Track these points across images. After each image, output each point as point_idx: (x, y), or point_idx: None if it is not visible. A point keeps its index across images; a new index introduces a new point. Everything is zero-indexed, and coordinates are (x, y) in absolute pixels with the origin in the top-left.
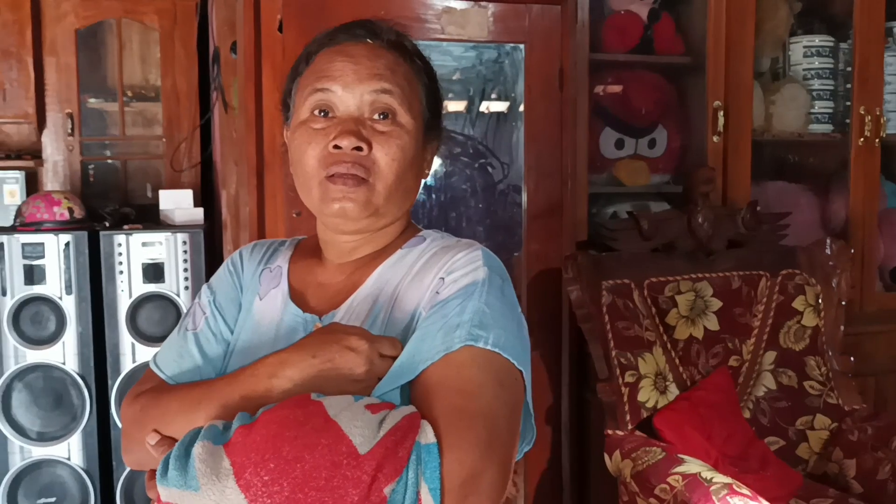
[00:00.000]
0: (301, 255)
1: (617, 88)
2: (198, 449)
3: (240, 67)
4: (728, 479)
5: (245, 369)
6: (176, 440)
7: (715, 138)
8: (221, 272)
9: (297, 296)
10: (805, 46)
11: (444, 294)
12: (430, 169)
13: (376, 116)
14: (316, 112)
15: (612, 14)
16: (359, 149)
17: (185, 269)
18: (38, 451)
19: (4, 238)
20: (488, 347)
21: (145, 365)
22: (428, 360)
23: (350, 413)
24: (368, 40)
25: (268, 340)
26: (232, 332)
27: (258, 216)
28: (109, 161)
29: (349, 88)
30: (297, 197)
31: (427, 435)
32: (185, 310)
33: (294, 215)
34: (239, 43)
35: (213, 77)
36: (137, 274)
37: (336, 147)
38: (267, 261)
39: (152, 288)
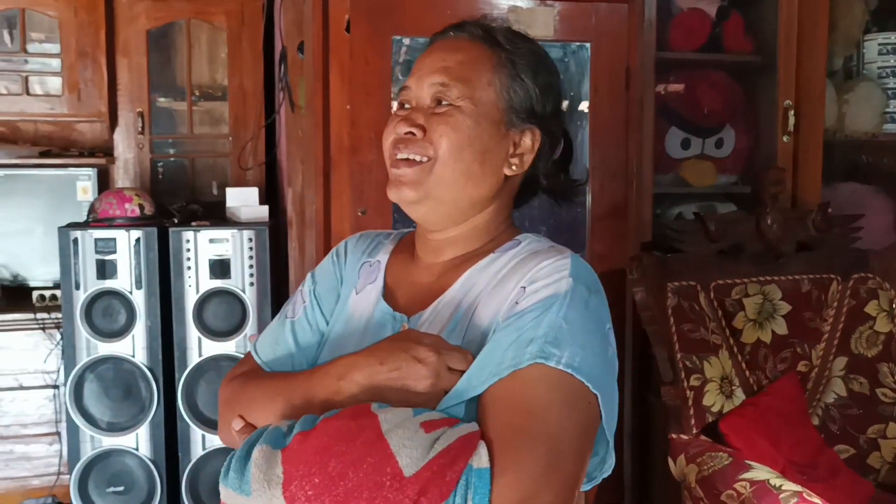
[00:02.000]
0: (401, 250)
1: (684, 87)
2: (256, 453)
3: (307, 67)
4: (798, 487)
5: (321, 367)
6: (256, 428)
7: (785, 138)
8: (326, 262)
9: (389, 293)
10: (880, 44)
11: (523, 305)
12: (522, 164)
13: (438, 104)
14: (399, 106)
15: (679, 12)
16: (411, 133)
17: (251, 266)
18: (108, 441)
19: (78, 233)
20: (560, 367)
21: (212, 359)
22: (496, 375)
23: (402, 431)
24: (451, 33)
25: (357, 334)
26: (328, 323)
27: (324, 214)
28: (178, 159)
29: (420, 82)
30: (363, 195)
31: (481, 458)
32: (249, 306)
33: (359, 213)
34: (307, 43)
35: (280, 77)
36: (204, 270)
37: (397, 133)
38: (369, 254)
39: (219, 284)
